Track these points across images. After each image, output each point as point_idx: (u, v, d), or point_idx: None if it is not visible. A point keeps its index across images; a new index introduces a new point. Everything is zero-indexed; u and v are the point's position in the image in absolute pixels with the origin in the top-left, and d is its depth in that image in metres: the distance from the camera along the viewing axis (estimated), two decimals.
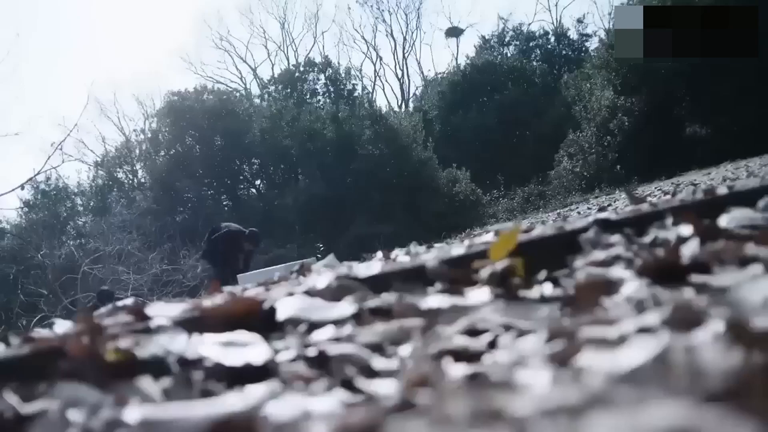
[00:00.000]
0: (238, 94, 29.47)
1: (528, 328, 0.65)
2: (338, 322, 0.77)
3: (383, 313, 0.79)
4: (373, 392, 0.55)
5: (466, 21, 50.82)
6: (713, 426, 0.31)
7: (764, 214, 1.07)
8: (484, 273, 0.89)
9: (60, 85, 51.19)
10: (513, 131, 26.03)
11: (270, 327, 0.79)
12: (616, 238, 1.03)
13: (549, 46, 32.01)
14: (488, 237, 1.33)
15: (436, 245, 1.78)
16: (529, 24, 34.26)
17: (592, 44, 29.73)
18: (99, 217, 19.62)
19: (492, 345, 0.64)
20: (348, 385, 0.58)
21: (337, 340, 0.70)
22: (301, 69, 30.72)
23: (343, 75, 30.94)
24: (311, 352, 0.67)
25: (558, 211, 14.84)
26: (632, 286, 0.75)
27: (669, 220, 1.08)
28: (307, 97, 29.10)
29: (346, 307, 0.82)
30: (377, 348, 0.67)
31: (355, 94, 30.10)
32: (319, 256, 12.37)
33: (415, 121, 24.12)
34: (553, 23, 34.54)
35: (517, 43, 32.36)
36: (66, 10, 52.71)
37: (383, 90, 58.28)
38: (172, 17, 56.04)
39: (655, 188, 11.13)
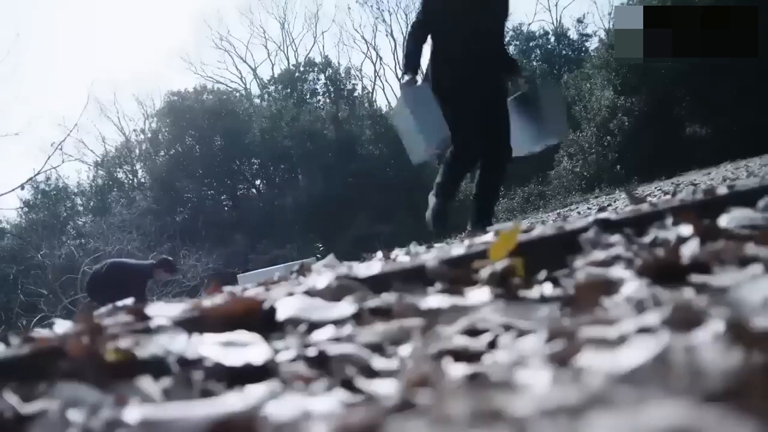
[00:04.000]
0: (238, 94, 29.50)
1: (528, 328, 0.65)
2: (338, 322, 0.77)
3: (383, 313, 0.79)
4: (373, 392, 0.55)
5: None
6: (713, 426, 0.31)
7: (764, 214, 1.06)
8: (484, 273, 0.89)
9: (60, 85, 51.25)
10: None
11: (270, 327, 0.79)
12: (616, 238, 1.03)
13: (549, 46, 32.00)
14: (488, 237, 1.33)
15: (436, 245, 1.78)
16: (529, 24, 34.43)
17: (592, 44, 29.76)
18: (99, 217, 19.62)
19: (492, 345, 0.64)
20: (348, 385, 0.58)
21: (337, 340, 0.70)
22: (301, 69, 30.70)
23: (343, 75, 30.90)
24: (311, 352, 0.66)
25: (558, 211, 14.81)
26: (632, 286, 0.74)
27: (669, 220, 1.08)
28: (307, 97, 29.08)
29: (346, 307, 0.82)
30: (377, 348, 0.67)
31: (355, 94, 30.07)
32: (319, 256, 12.36)
33: None
34: (553, 23, 34.61)
35: (517, 43, 32.32)
36: (66, 10, 52.71)
37: (383, 90, 58.25)
38: (172, 17, 56.09)
39: (655, 188, 11.11)
